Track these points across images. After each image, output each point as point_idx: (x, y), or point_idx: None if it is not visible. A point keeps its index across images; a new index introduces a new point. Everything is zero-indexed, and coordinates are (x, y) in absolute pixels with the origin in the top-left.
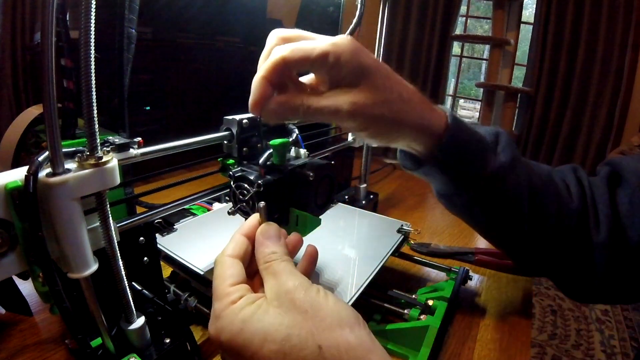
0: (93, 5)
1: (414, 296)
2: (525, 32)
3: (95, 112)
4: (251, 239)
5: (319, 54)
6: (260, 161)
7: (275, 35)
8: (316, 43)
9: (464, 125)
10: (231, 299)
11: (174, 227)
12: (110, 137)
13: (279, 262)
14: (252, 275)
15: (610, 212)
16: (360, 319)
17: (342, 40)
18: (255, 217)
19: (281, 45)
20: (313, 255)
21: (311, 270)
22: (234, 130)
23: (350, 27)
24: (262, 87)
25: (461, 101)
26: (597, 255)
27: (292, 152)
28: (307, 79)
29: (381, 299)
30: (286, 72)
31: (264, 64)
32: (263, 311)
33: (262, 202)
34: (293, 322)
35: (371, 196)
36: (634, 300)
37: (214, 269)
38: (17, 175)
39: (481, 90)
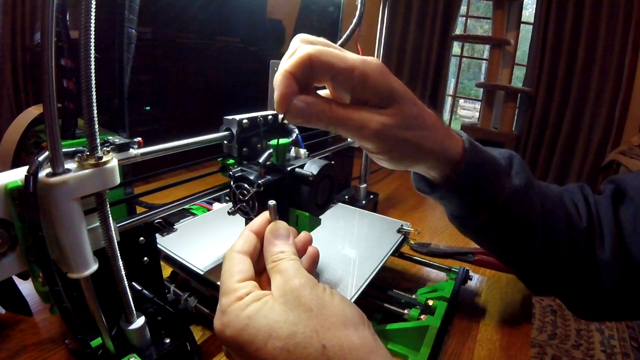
0: (93, 5)
1: (414, 296)
2: (525, 32)
3: (95, 112)
4: (260, 237)
5: (347, 65)
6: (260, 161)
7: (300, 37)
8: (345, 53)
9: (480, 150)
10: (238, 294)
11: (174, 227)
12: (110, 137)
13: (286, 261)
14: (260, 272)
15: (615, 230)
16: (364, 319)
17: (372, 59)
18: (264, 215)
19: (308, 44)
20: (315, 257)
21: (313, 271)
22: (234, 130)
23: (350, 27)
24: (288, 82)
25: (461, 101)
26: (603, 273)
27: (292, 152)
28: (322, 93)
29: (381, 299)
30: (308, 74)
31: (289, 60)
32: (269, 308)
33: (273, 201)
34: (298, 320)
35: (371, 196)
36: None
37: (222, 263)
38: (17, 175)
39: (481, 90)
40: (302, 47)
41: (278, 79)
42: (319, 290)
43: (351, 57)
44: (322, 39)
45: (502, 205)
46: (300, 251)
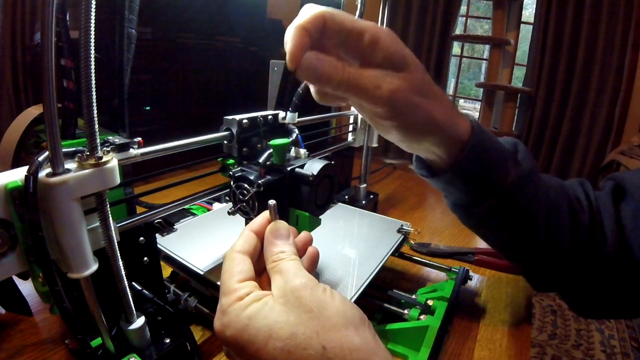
0: (93, 5)
1: (414, 296)
2: (525, 32)
3: (95, 112)
4: (260, 236)
5: (359, 26)
6: (260, 161)
7: (310, 4)
8: (358, 18)
9: (486, 133)
10: (238, 295)
11: (174, 227)
12: (110, 137)
13: (286, 261)
14: (260, 272)
15: (615, 227)
16: (365, 320)
17: (383, 27)
18: (265, 215)
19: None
20: (314, 257)
21: (313, 271)
22: (234, 130)
23: None
24: (301, 36)
25: (461, 101)
26: (605, 270)
27: (292, 152)
28: None
29: (381, 299)
30: (321, 32)
31: (301, 15)
32: (269, 308)
33: (273, 201)
34: (298, 321)
35: (371, 196)
36: None
37: (222, 263)
38: (17, 175)
39: (481, 90)
40: (314, 6)
41: (290, 32)
42: (320, 291)
43: (363, 20)
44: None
45: (507, 191)
46: (301, 251)
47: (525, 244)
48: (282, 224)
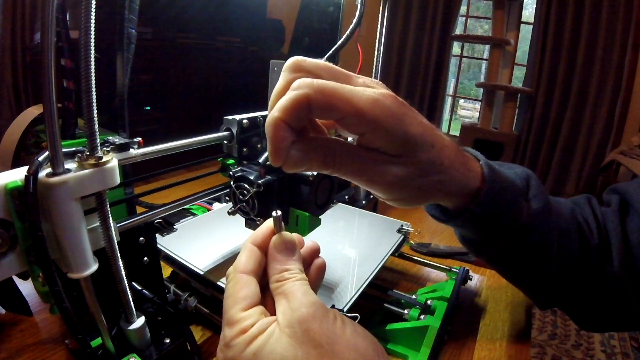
0: (93, 5)
1: (414, 296)
2: (525, 32)
3: (95, 112)
4: (264, 250)
5: (354, 110)
6: (260, 161)
7: (293, 65)
8: (353, 92)
9: (498, 174)
10: (242, 326)
11: (174, 227)
12: (110, 137)
13: (291, 283)
14: (265, 286)
15: (622, 246)
16: (379, 351)
17: (385, 98)
18: (268, 225)
19: (304, 78)
20: (322, 269)
21: (319, 284)
22: (234, 130)
23: (350, 27)
24: (282, 132)
25: (461, 101)
26: (611, 286)
27: None
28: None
29: (381, 299)
30: (306, 117)
31: (282, 100)
32: (275, 340)
33: (279, 212)
34: (307, 357)
35: (371, 196)
36: None
37: (225, 285)
38: (17, 175)
39: (481, 90)
40: (299, 82)
41: (269, 129)
42: (329, 323)
43: (359, 97)
44: (322, 63)
45: (520, 231)
46: (307, 261)
47: (536, 277)
48: (287, 237)
